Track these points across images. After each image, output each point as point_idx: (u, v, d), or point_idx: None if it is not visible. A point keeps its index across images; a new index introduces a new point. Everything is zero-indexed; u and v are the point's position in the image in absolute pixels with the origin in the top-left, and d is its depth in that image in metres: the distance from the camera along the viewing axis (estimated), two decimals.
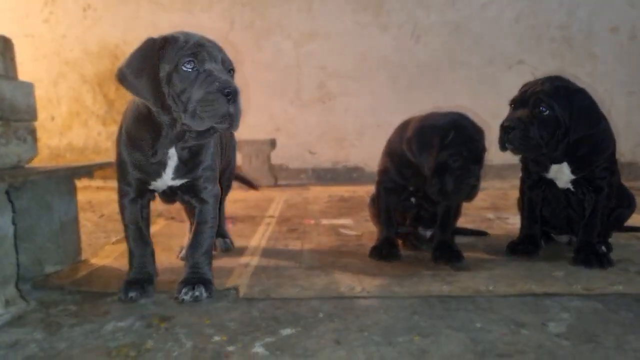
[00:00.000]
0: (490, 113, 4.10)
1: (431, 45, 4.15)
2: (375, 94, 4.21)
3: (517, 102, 1.73)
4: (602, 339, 1.14)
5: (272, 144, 4.06)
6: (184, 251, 1.71)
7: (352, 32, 4.16)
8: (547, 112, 1.64)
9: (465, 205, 2.88)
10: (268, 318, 1.29)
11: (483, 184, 4.00)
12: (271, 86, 4.23)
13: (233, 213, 2.84)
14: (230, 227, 2.46)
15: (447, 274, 1.65)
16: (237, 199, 3.41)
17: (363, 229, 2.37)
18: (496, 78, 4.04)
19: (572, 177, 1.75)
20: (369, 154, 4.25)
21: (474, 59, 4.08)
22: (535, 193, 1.87)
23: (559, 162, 1.74)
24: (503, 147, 1.72)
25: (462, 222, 2.45)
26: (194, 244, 1.49)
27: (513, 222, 2.43)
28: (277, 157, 4.26)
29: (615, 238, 2.06)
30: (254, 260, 1.84)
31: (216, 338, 1.16)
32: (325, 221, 2.58)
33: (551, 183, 1.81)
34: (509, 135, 1.67)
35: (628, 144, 4.34)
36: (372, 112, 4.24)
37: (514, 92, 1.80)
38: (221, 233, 1.98)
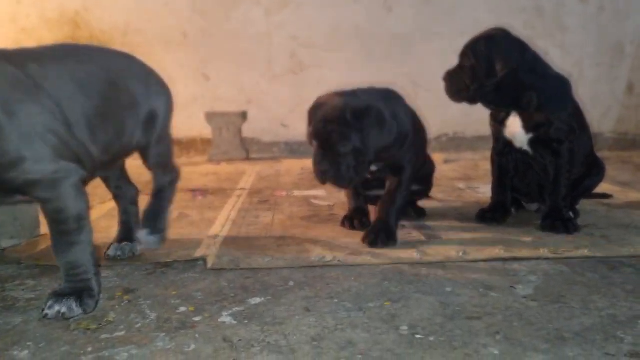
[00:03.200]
0: None
1: (403, 16, 4.09)
2: (348, 65, 4.15)
3: (459, 58, 1.87)
4: (568, 300, 1.16)
5: (244, 116, 3.97)
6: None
7: (323, 1, 4.06)
8: (468, 62, 1.78)
9: (438, 176, 2.90)
10: (236, 288, 1.27)
11: (455, 155, 4.06)
12: (242, 57, 4.12)
13: (203, 186, 2.78)
14: (199, 200, 2.41)
15: (418, 241, 1.64)
16: (208, 172, 3.34)
17: (335, 199, 2.35)
18: None
19: (527, 135, 1.77)
20: None
21: (447, 29, 4.05)
22: (504, 160, 1.88)
23: (505, 108, 1.79)
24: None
25: (434, 192, 2.46)
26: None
27: (484, 192, 2.45)
28: (249, 131, 4.17)
29: (582, 204, 2.10)
30: (224, 232, 1.80)
31: (182, 309, 1.13)
32: (297, 193, 2.55)
33: (519, 150, 1.82)
34: (445, 86, 1.89)
35: (595, 114, 4.41)
36: (345, 84, 4.14)
37: None
38: (127, 236, 1.51)
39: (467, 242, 1.61)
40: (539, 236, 1.68)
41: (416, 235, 1.72)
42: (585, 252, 1.50)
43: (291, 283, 1.30)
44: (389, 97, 1.72)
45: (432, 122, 4.30)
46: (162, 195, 1.49)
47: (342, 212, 2.08)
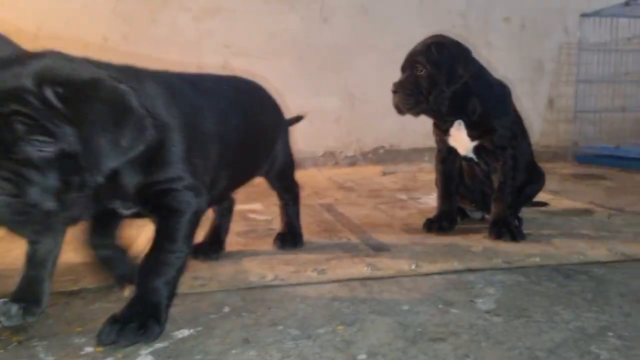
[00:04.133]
0: None
1: (340, 27, 4.05)
2: (284, 76, 4.01)
3: (402, 69, 1.79)
4: (532, 313, 1.07)
5: None
6: None
7: (258, 9, 3.92)
8: (423, 71, 1.69)
9: (378, 187, 2.81)
10: None
11: (392, 167, 4.04)
12: (170, 65, 3.82)
13: None
14: None
15: (367, 255, 1.52)
16: None
17: (273, 213, 2.18)
18: None
19: (472, 143, 1.72)
20: None
21: (383, 42, 4.05)
22: (448, 167, 1.82)
23: (453, 116, 1.73)
24: (397, 111, 1.77)
25: (377, 202, 2.37)
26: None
27: (425, 202, 2.40)
28: None
29: (522, 212, 2.09)
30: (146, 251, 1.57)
31: (88, 349, 0.91)
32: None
33: (464, 158, 1.77)
34: (394, 99, 1.75)
35: None
36: (280, 94, 4.03)
37: None
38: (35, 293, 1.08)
39: (418, 254, 1.51)
40: (488, 245, 1.62)
41: (363, 248, 1.60)
42: (537, 260, 1.44)
43: (226, 309, 1.12)
44: None
45: (369, 135, 4.29)
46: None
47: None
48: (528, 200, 1.99)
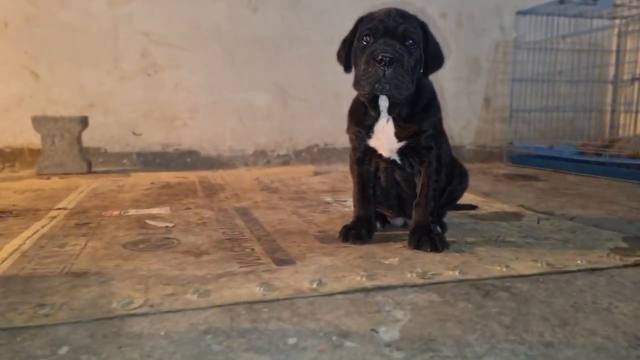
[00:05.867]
0: (331, 93, 3.96)
1: (270, 18, 3.81)
2: (210, 68, 3.74)
3: (379, 33, 1.40)
4: (440, 345, 0.90)
5: (83, 122, 3.34)
6: None
7: None
8: (414, 46, 1.41)
9: (305, 189, 2.61)
10: None
11: (326, 167, 3.86)
12: (81, 53, 3.49)
13: (12, 206, 2.16)
14: None
15: (267, 269, 1.31)
16: (29, 188, 2.68)
17: (179, 219, 1.93)
18: None
19: (397, 144, 1.54)
20: (205, 135, 3.80)
21: (315, 35, 3.86)
22: (365, 168, 1.64)
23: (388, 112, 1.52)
24: (371, 88, 1.37)
25: (298, 205, 2.17)
26: None
27: (350, 205, 2.20)
28: (92, 139, 3.54)
29: (449, 217, 1.96)
30: (1, 268, 1.28)
31: None
32: (133, 212, 2.07)
33: (380, 156, 1.59)
34: (387, 70, 1.33)
35: (456, 126, 4.57)
36: (207, 88, 3.76)
37: None
38: None
39: (325, 269, 1.32)
40: (407, 256, 1.45)
41: (265, 261, 1.38)
42: (456, 274, 1.28)
43: (64, 349, 0.87)
44: None
45: (302, 133, 4.09)
46: None
47: (180, 234, 1.67)
48: (452, 203, 1.85)
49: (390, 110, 1.51)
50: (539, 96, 4.42)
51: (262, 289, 1.15)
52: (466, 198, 2.55)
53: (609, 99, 4.59)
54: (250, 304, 1.08)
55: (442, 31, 4.24)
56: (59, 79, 3.48)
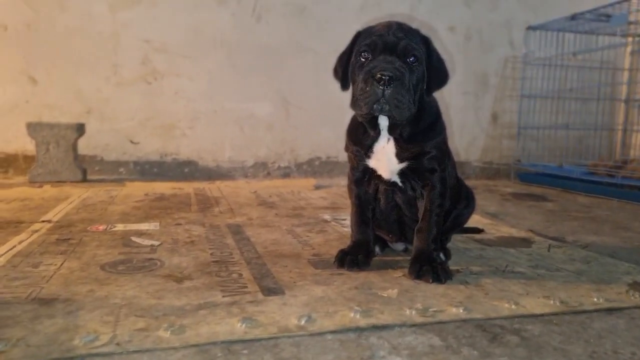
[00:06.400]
0: (335, 104, 3.85)
1: (274, 26, 3.73)
2: (211, 76, 3.66)
3: (378, 49, 1.30)
4: None
5: (79, 129, 3.25)
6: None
7: (183, 2, 3.55)
8: (416, 63, 1.31)
9: (304, 204, 2.50)
10: None
11: (328, 180, 3.74)
12: (80, 58, 3.42)
13: None
14: None
15: (252, 300, 1.19)
16: (17, 197, 2.59)
17: (167, 236, 1.83)
18: None
19: (399, 165, 1.43)
20: (204, 145, 3.70)
21: (319, 45, 3.77)
22: (363, 189, 1.53)
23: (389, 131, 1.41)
24: (369, 109, 1.27)
25: (294, 224, 2.07)
26: None
27: (349, 224, 2.10)
28: (88, 147, 3.46)
29: (454, 241, 1.85)
30: None
31: None
32: (120, 226, 1.97)
33: (380, 177, 1.48)
34: (386, 90, 1.23)
35: (462, 142, 4.46)
36: (208, 96, 3.68)
37: None
38: None
39: (316, 301, 1.20)
40: (406, 287, 1.33)
41: (251, 289, 1.27)
42: (461, 311, 1.16)
43: None
44: None
45: (304, 144, 3.99)
46: None
47: (167, 254, 1.57)
48: (457, 228, 1.73)
49: (390, 130, 1.40)
50: (548, 113, 4.31)
51: (244, 325, 1.04)
52: (472, 220, 2.43)
53: (620, 118, 4.47)
54: (229, 343, 0.97)
55: (450, 45, 4.14)
56: (56, 84, 3.40)
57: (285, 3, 3.72)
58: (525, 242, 1.94)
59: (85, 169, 3.32)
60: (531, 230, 2.17)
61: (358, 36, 1.38)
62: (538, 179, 4.01)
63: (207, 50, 3.62)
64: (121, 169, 3.56)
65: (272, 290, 1.27)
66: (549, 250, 1.81)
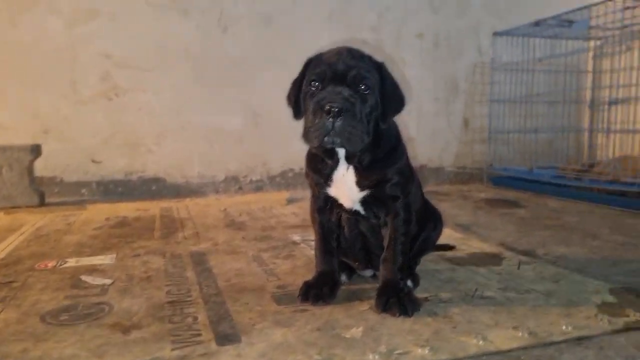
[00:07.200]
0: None
1: (241, 37, 3.64)
2: (177, 90, 3.55)
3: (327, 78, 1.23)
4: None
5: (35, 150, 3.10)
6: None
7: (144, 14, 3.43)
8: (368, 91, 1.24)
9: (273, 223, 2.44)
10: None
11: (302, 193, 3.67)
12: (34, 76, 3.26)
13: None
14: None
15: (204, 351, 1.11)
16: None
17: (122, 271, 1.72)
18: None
19: (359, 194, 1.37)
20: (171, 161, 3.58)
21: (288, 56, 3.68)
22: (326, 218, 1.46)
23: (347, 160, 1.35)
24: (320, 142, 1.20)
25: (261, 248, 1.99)
26: None
27: None
28: (46, 168, 3.31)
29: (424, 261, 1.79)
30: None
31: None
32: (72, 262, 1.85)
33: (342, 206, 1.42)
34: (336, 122, 1.16)
35: (435, 149, 4.44)
36: (174, 112, 3.57)
37: None
38: None
39: (274, 348, 1.12)
40: (372, 324, 1.26)
41: (205, 338, 1.18)
42: (426, 353, 1.10)
43: None
44: None
45: (275, 157, 3.90)
46: None
47: (117, 296, 1.47)
48: (425, 251, 1.68)
49: (348, 159, 1.34)
50: (518, 117, 4.33)
51: None
52: (444, 234, 2.40)
53: (586, 120, 4.52)
54: None
55: (419, 52, 4.13)
56: (10, 103, 3.25)
57: (251, 13, 3.64)
58: (496, 259, 1.90)
59: (42, 192, 3.17)
60: (502, 244, 2.14)
61: (309, 64, 1.32)
62: (510, 183, 4.01)
63: (172, 63, 3.51)
64: (83, 190, 3.42)
65: (227, 337, 1.19)
66: (518, 268, 1.78)
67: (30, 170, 3.08)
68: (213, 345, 1.14)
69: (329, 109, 1.15)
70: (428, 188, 4.20)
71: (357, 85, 1.22)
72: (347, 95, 1.18)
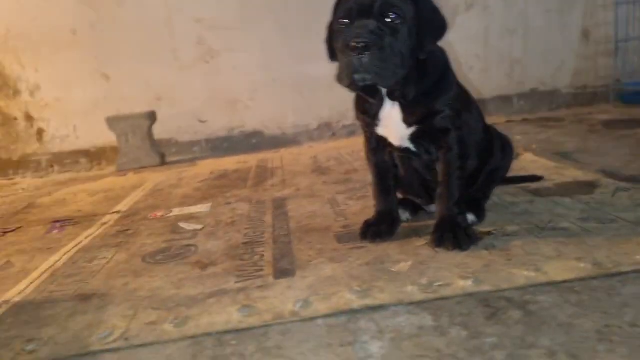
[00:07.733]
0: None
1: None
2: (264, 45, 3.67)
3: (353, 14, 1.18)
4: None
5: (151, 117, 3.50)
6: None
7: None
8: (399, 21, 1.18)
9: (357, 166, 2.45)
10: None
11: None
12: (142, 49, 3.62)
13: (75, 212, 2.34)
14: (53, 236, 1.98)
15: (261, 284, 1.23)
16: (101, 189, 2.90)
17: (213, 217, 1.93)
18: None
19: (407, 130, 1.34)
20: (267, 114, 3.78)
21: None
22: (381, 157, 1.46)
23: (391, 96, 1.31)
24: (350, 81, 1.18)
25: (339, 190, 2.05)
26: None
27: None
28: (163, 132, 3.71)
29: (501, 194, 1.71)
30: (25, 293, 1.38)
31: None
32: (176, 211, 2.12)
33: (392, 145, 1.40)
34: (363, 58, 1.13)
35: (548, 69, 4.01)
36: (264, 67, 3.71)
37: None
38: None
39: (322, 281, 1.21)
40: (422, 258, 1.27)
41: (265, 273, 1.31)
42: (469, 284, 1.09)
43: None
44: None
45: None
46: None
47: (203, 239, 1.66)
48: (495, 183, 1.59)
49: (390, 95, 1.31)
50: None
51: (241, 313, 1.09)
52: (537, 163, 2.24)
53: None
54: (222, 334, 1.02)
55: None
56: (127, 77, 3.67)
57: None
58: (588, 188, 1.73)
59: (163, 153, 3.59)
60: (603, 171, 1.93)
61: (338, 3, 1.29)
62: None
63: (256, 20, 3.62)
64: (195, 148, 3.79)
65: (284, 272, 1.30)
66: (612, 196, 1.60)
67: (150, 134, 3.49)
68: (270, 279, 1.26)
69: (354, 46, 1.13)
70: (539, 114, 3.84)
71: (385, 15, 1.17)
72: (374, 28, 1.14)
